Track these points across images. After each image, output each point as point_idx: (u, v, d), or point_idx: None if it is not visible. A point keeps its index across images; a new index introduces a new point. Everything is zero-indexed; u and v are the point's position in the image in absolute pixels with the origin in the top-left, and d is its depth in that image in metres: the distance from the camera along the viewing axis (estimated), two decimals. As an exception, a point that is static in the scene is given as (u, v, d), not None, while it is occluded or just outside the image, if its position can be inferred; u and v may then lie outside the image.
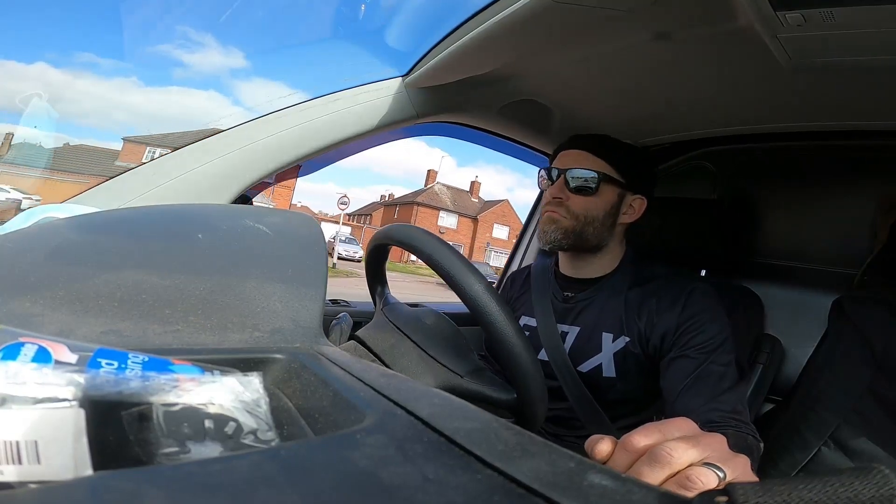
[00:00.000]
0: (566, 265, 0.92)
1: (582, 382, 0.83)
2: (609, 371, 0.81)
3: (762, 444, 0.68)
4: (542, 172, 0.90)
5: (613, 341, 0.81)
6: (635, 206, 0.86)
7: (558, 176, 0.84)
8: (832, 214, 1.12)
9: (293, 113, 0.86)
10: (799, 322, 1.08)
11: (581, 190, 0.82)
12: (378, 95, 0.90)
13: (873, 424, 0.80)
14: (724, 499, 0.19)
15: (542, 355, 0.86)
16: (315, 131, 0.87)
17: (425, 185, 34.32)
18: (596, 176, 0.81)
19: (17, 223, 0.59)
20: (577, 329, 0.85)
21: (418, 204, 30.36)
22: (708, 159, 1.29)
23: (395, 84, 0.92)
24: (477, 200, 34.32)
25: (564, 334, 0.86)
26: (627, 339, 0.80)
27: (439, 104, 0.96)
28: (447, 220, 31.64)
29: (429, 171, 34.75)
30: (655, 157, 1.33)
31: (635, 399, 0.84)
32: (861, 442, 0.80)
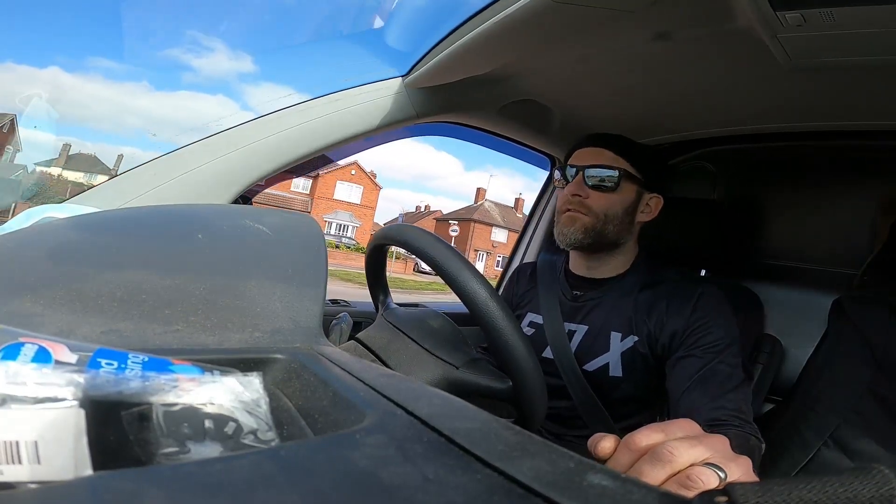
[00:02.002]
0: (578, 265, 0.91)
1: (587, 381, 0.82)
2: (616, 370, 0.81)
3: (764, 445, 0.68)
4: (558, 172, 0.89)
5: (622, 340, 0.81)
6: (652, 205, 0.86)
7: (577, 173, 0.82)
8: (832, 214, 1.12)
9: (293, 113, 0.86)
10: (799, 322, 1.08)
11: (600, 187, 0.81)
12: (378, 95, 0.90)
13: (873, 424, 0.80)
14: (723, 499, 0.19)
15: (548, 353, 0.86)
16: (315, 131, 0.87)
17: (475, 203, 35.32)
18: (616, 173, 0.80)
19: (17, 223, 0.59)
20: (585, 328, 0.85)
21: (475, 221, 31.57)
22: (708, 159, 1.29)
23: (395, 84, 0.92)
24: (521, 216, 34.97)
25: (572, 333, 0.86)
26: (636, 338, 0.80)
27: (439, 104, 0.96)
28: (498, 236, 32.89)
29: (478, 189, 35.98)
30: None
31: (639, 399, 0.84)
32: (861, 442, 0.80)
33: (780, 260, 1.18)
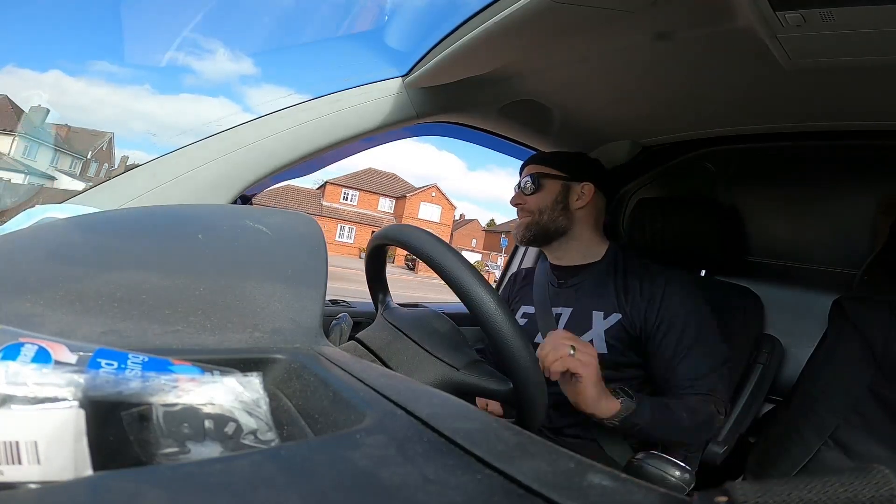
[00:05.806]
0: (552, 256, 1.04)
1: None
2: (600, 347, 0.88)
3: (723, 417, 0.79)
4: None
5: (604, 319, 0.91)
6: (585, 192, 0.98)
7: (517, 189, 1.03)
8: (832, 214, 1.12)
9: (293, 113, 0.86)
10: (799, 322, 1.08)
11: (530, 191, 1.00)
12: (378, 95, 0.90)
13: (873, 424, 0.80)
14: (723, 499, 0.19)
15: (539, 338, 0.93)
16: (315, 131, 0.87)
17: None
18: (535, 178, 0.99)
19: (17, 223, 0.59)
20: (570, 310, 0.95)
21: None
22: (708, 159, 1.29)
23: (395, 84, 0.92)
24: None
25: (558, 315, 0.95)
26: (619, 315, 0.89)
27: (439, 104, 0.96)
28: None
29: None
30: (656, 157, 1.33)
31: (622, 379, 0.88)
32: (861, 442, 0.80)
33: (780, 260, 1.18)
